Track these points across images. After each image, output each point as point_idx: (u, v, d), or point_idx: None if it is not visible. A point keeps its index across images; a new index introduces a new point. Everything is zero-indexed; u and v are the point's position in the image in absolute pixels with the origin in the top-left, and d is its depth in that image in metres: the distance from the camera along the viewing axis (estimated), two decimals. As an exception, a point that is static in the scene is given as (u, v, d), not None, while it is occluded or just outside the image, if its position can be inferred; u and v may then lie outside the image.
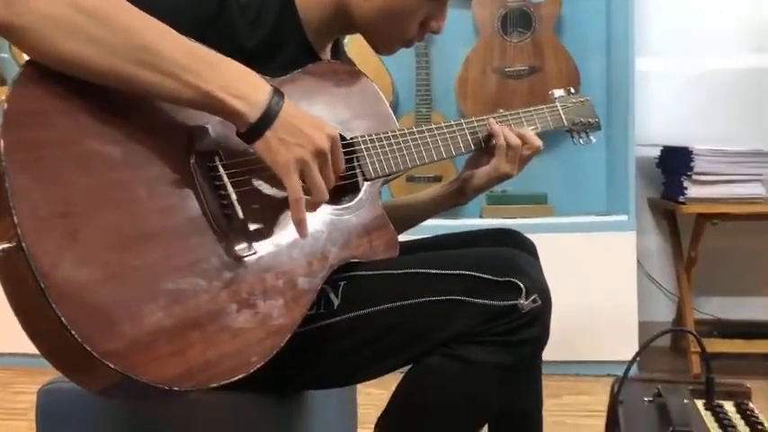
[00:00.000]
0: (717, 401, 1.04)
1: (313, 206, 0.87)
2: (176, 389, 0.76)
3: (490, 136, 1.16)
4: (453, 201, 1.23)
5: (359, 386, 1.39)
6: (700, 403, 1.04)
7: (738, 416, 1.00)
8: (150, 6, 0.84)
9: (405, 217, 1.22)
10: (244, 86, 0.82)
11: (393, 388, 0.96)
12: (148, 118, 0.84)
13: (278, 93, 0.84)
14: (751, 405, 1.04)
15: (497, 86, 2.63)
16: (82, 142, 0.77)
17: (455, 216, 2.37)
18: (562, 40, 2.64)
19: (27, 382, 2.36)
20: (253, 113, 0.81)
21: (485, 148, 1.18)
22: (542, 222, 2.40)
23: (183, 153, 0.85)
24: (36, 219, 0.71)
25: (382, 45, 1.10)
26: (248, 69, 0.85)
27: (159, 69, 0.78)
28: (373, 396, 1.55)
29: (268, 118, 0.82)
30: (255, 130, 0.82)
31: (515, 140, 1.13)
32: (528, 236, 1.22)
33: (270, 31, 0.99)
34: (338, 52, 1.19)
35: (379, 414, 0.98)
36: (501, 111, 1.21)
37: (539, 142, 1.16)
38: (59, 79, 0.77)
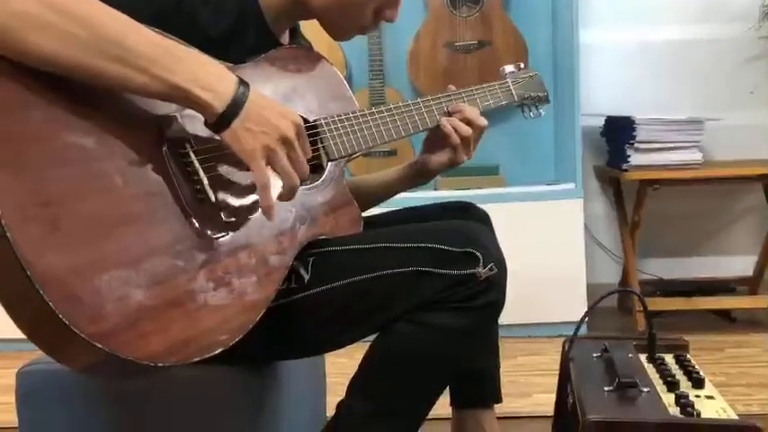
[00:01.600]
0: (658, 355, 1.13)
1: (288, 192, 0.89)
2: (160, 365, 0.80)
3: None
4: (414, 182, 1.29)
5: (326, 356, 1.45)
6: (643, 357, 1.13)
7: (677, 366, 1.09)
8: (113, 1, 0.87)
9: (366, 195, 1.27)
10: (210, 78, 0.85)
11: (357, 357, 1.02)
12: (120, 109, 0.86)
13: (243, 83, 0.87)
14: (688, 357, 1.14)
15: (448, 60, 2.68)
16: (58, 135, 0.79)
17: (412, 188, 2.42)
18: (509, 14, 2.69)
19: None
20: (220, 104, 0.84)
21: (428, 135, 1.23)
22: (494, 192, 2.47)
23: (156, 141, 0.88)
24: (18, 209, 0.74)
25: (337, 32, 1.13)
26: (213, 60, 0.88)
27: (127, 63, 0.81)
28: (339, 365, 1.61)
29: (235, 108, 0.85)
30: (223, 120, 0.85)
31: (466, 131, 1.18)
32: (481, 206, 1.29)
33: (233, 19, 1.02)
34: (296, 34, 1.22)
35: (345, 382, 1.04)
36: (452, 88, 1.25)
37: (484, 122, 1.21)
38: (34, 74, 0.79)
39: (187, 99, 0.84)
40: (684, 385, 1.01)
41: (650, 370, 1.07)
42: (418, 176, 1.27)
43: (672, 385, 0.99)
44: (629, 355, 1.11)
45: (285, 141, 0.88)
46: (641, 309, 2.39)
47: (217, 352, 0.85)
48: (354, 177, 1.34)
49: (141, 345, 0.79)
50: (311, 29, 1.21)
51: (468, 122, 1.19)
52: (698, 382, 1.01)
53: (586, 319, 1.15)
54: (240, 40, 1.03)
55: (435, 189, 2.56)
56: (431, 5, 2.67)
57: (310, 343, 1.05)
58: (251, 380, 1.07)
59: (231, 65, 0.97)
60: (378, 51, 2.67)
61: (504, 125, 2.68)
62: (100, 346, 0.75)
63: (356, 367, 1.02)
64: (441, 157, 1.22)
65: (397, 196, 1.33)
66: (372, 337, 1.02)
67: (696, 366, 1.08)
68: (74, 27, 0.78)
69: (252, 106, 0.86)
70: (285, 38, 1.17)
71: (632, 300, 2.50)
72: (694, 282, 2.67)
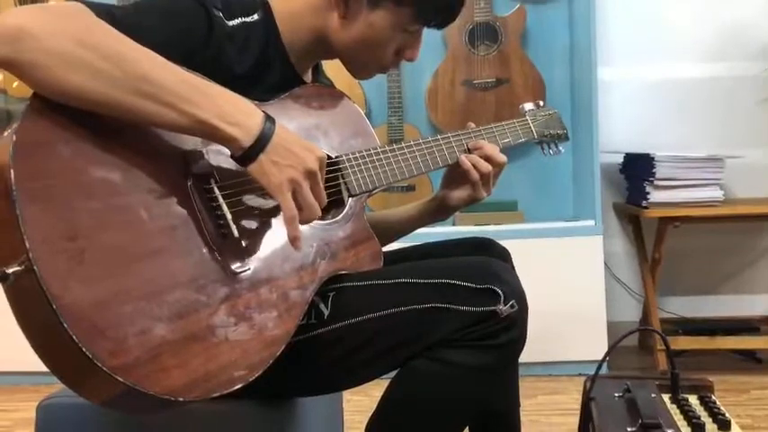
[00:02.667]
0: (682, 395, 1.10)
1: (307, 222, 0.92)
2: (180, 399, 0.80)
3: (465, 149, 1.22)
4: (434, 218, 1.29)
5: (344, 393, 1.44)
6: (666, 397, 1.10)
7: (702, 408, 1.07)
8: (145, 31, 0.90)
9: (386, 230, 1.27)
10: (237, 113, 0.87)
11: (375, 395, 1.02)
12: (147, 144, 0.88)
13: (269, 118, 0.89)
14: (713, 398, 1.11)
15: (466, 98, 2.70)
16: (85, 170, 0.81)
17: (431, 224, 2.43)
18: (527, 51, 2.72)
19: (5, 401, 2.36)
20: (247, 139, 0.86)
21: (447, 171, 1.24)
22: (514, 228, 2.47)
23: (181, 176, 0.90)
24: (46, 243, 0.75)
25: (359, 71, 1.16)
26: (240, 96, 0.90)
27: (157, 99, 0.83)
28: (354, 402, 1.60)
29: (261, 142, 0.87)
30: (250, 154, 0.87)
31: (486, 167, 1.19)
32: (500, 242, 1.29)
33: (257, 57, 1.04)
34: (317, 71, 1.25)
35: (363, 420, 1.03)
36: (472, 125, 1.26)
37: (503, 158, 1.22)
38: (63, 111, 0.81)
39: (214, 134, 0.86)
40: (710, 427, 0.99)
41: (674, 411, 1.05)
42: (438, 212, 1.28)
43: (697, 427, 0.97)
44: (652, 396, 1.09)
45: (310, 174, 0.89)
46: (663, 348, 2.36)
47: (237, 387, 0.85)
48: (374, 213, 1.35)
49: (162, 379, 0.79)
50: (331, 66, 1.24)
51: (488, 159, 1.20)
52: (724, 425, 0.99)
53: (607, 357, 1.13)
54: (265, 78, 1.06)
55: (454, 224, 2.56)
56: (449, 44, 2.70)
57: (328, 379, 1.05)
58: (269, 416, 1.06)
59: (257, 102, 0.99)
60: (397, 88, 2.70)
61: (523, 161, 2.68)
62: (121, 379, 0.76)
63: (374, 406, 1.01)
64: (460, 194, 1.23)
65: (416, 232, 1.34)
66: (391, 375, 1.02)
67: (722, 408, 1.06)
68: (105, 64, 0.81)
69: (278, 140, 0.88)
70: (308, 76, 1.19)
71: (653, 338, 2.47)
72: (716, 321, 2.63)
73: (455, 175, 1.23)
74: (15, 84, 2.74)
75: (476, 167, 1.19)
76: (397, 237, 1.32)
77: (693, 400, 1.10)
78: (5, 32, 0.78)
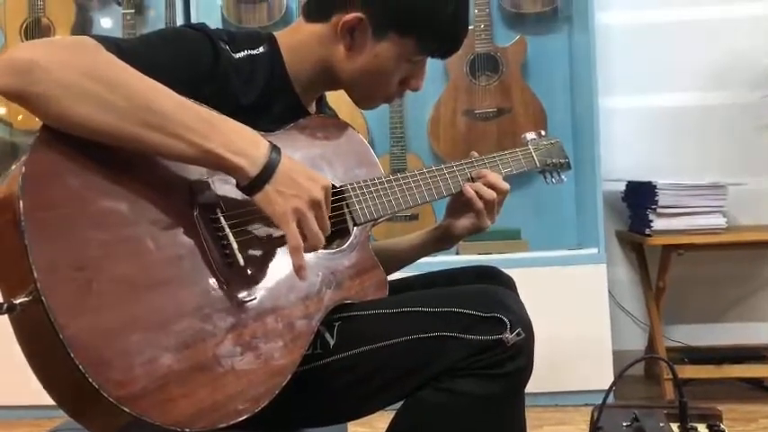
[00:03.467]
0: (690, 424, 1.10)
1: (310, 251, 0.92)
2: (186, 430, 0.79)
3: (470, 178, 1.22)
4: (438, 247, 1.30)
5: (348, 426, 1.43)
6: (674, 426, 1.10)
7: (711, 436, 1.06)
8: (151, 62, 0.90)
9: (390, 259, 1.27)
10: (243, 143, 0.88)
11: (380, 426, 1.01)
12: (153, 175, 0.89)
13: (275, 148, 0.90)
14: (722, 426, 1.11)
15: (467, 128, 2.72)
16: (93, 201, 0.82)
17: (435, 253, 2.43)
18: (528, 81, 2.75)
19: (7, 434, 2.34)
20: (253, 169, 0.87)
21: (451, 201, 1.24)
22: (517, 257, 2.47)
23: (187, 206, 0.90)
24: (54, 273, 0.76)
25: (364, 101, 1.17)
26: (245, 126, 0.91)
27: (164, 130, 0.84)
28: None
29: (267, 172, 0.88)
30: (256, 183, 0.88)
31: (490, 195, 1.19)
32: (504, 270, 1.29)
33: (262, 89, 1.05)
34: (321, 102, 1.26)
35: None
36: (475, 155, 1.27)
37: (506, 186, 1.22)
38: (71, 142, 0.82)
39: (220, 164, 0.87)
40: (720, 456, 0.98)
41: (683, 440, 1.04)
42: (442, 241, 1.28)
43: (707, 456, 0.96)
44: (661, 425, 1.08)
45: (314, 204, 0.90)
46: (669, 376, 2.34)
47: (243, 418, 0.85)
48: (378, 242, 1.35)
49: (168, 409, 0.79)
50: (333, 96, 1.25)
51: (492, 186, 1.20)
52: (734, 454, 0.98)
53: (614, 386, 1.12)
54: (270, 109, 1.07)
55: (458, 254, 2.56)
56: (451, 74, 2.73)
57: (333, 410, 1.04)
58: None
59: (263, 132, 1.00)
60: (399, 118, 2.73)
61: (526, 190, 2.69)
62: (128, 410, 0.76)
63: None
64: (465, 222, 1.23)
65: (420, 261, 1.34)
66: (396, 406, 1.01)
67: (731, 437, 1.05)
68: (111, 95, 0.82)
69: (283, 170, 0.88)
70: (312, 107, 1.20)
71: (660, 367, 2.45)
72: (723, 349, 2.61)
73: (459, 204, 1.24)
74: (20, 117, 2.77)
75: (479, 195, 1.19)
76: (402, 266, 1.32)
77: (702, 429, 1.09)
78: (17, 66, 0.80)
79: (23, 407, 2.10)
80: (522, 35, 2.73)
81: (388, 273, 1.17)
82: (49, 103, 0.80)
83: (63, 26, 2.78)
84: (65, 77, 0.80)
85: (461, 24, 1.13)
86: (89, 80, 0.81)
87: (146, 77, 0.86)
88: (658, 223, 2.40)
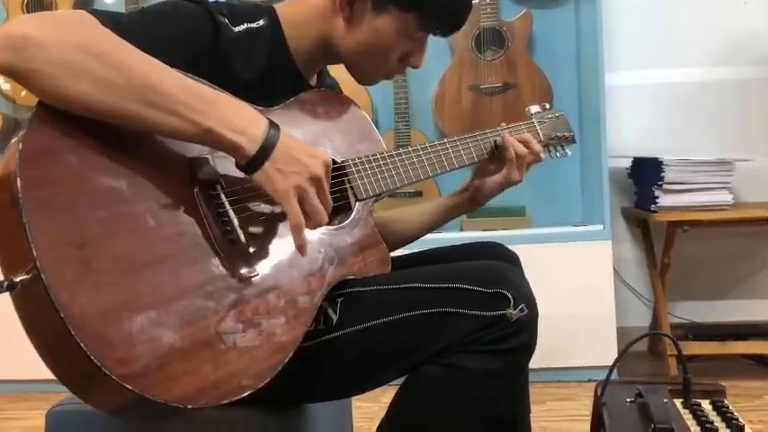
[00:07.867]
0: (694, 400, 1.09)
1: (313, 228, 0.91)
2: (190, 407, 0.80)
3: (491, 149, 1.23)
4: (467, 208, 1.30)
5: (352, 400, 1.43)
6: (678, 402, 1.09)
7: (715, 413, 1.06)
8: (150, 38, 0.89)
9: (402, 230, 1.27)
10: (242, 121, 0.86)
11: (384, 401, 1.01)
12: (152, 152, 0.88)
13: (273, 125, 0.88)
14: (726, 402, 1.10)
15: (473, 103, 2.70)
16: (92, 178, 0.81)
17: (437, 229, 2.43)
18: (534, 57, 2.71)
19: (14, 408, 2.36)
20: (252, 147, 0.86)
21: (480, 162, 1.25)
22: (521, 234, 2.46)
23: (187, 183, 0.90)
24: (53, 251, 0.75)
25: (364, 76, 1.16)
26: (244, 104, 0.90)
27: (162, 108, 0.83)
28: (363, 409, 1.59)
29: (266, 150, 0.86)
30: (255, 161, 0.87)
31: (522, 150, 1.21)
32: (508, 247, 1.28)
33: (263, 63, 1.04)
34: (323, 73, 1.24)
35: (371, 427, 1.02)
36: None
37: (539, 148, 1.24)
38: (68, 119, 0.81)
39: (219, 142, 0.86)
40: (723, 432, 0.98)
41: (686, 416, 1.04)
42: (471, 202, 1.28)
43: (710, 432, 0.96)
44: (664, 401, 1.07)
45: (315, 180, 0.89)
46: (673, 353, 2.34)
47: (246, 394, 0.85)
48: (386, 213, 1.34)
49: (171, 386, 0.79)
50: (338, 72, 1.23)
51: (525, 144, 1.22)
52: (738, 430, 0.98)
53: (618, 363, 1.12)
54: (271, 84, 1.05)
55: (461, 230, 2.56)
56: (456, 49, 2.70)
57: (337, 385, 1.04)
58: (278, 422, 1.05)
59: (262, 108, 0.99)
60: (403, 94, 2.70)
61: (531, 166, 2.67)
62: (130, 387, 0.76)
63: (383, 413, 1.00)
64: (497, 178, 1.24)
65: (424, 237, 1.33)
66: (400, 380, 1.01)
67: (735, 413, 1.05)
68: (109, 73, 0.81)
69: (282, 147, 0.87)
70: (313, 80, 1.19)
71: (664, 344, 2.45)
72: (727, 325, 2.61)
73: (486, 167, 1.24)
74: (24, 92, 2.75)
75: (514, 149, 1.21)
76: (413, 238, 1.32)
77: (706, 405, 1.09)
78: (10, 40, 0.78)
79: (31, 381, 2.12)
80: (528, 9, 2.69)
81: (400, 245, 1.16)
82: (44, 79, 0.79)
83: (65, 0, 2.76)
84: (60, 54, 0.79)
85: (464, 2, 1.11)
86: (85, 57, 0.80)
87: (144, 54, 0.85)
88: (664, 200, 2.39)
